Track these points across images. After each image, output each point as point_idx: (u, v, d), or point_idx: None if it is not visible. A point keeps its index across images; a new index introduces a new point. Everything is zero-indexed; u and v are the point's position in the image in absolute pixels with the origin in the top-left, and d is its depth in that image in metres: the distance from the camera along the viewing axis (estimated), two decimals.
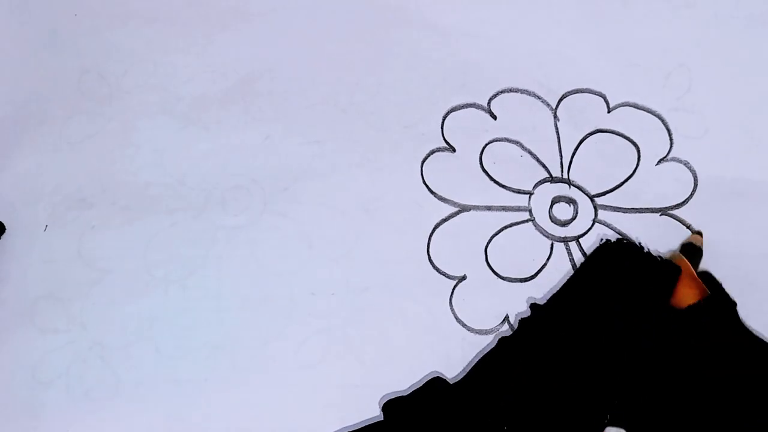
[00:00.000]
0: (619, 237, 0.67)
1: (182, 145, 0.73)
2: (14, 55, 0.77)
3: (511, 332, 0.66)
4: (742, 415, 0.54)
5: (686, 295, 0.59)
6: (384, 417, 0.61)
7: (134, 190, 0.72)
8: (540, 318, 0.62)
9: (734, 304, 0.60)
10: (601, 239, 0.67)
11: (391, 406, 0.61)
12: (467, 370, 0.62)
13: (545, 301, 0.65)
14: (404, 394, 0.63)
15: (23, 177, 0.73)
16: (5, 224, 0.71)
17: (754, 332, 0.60)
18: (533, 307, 0.64)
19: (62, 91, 0.75)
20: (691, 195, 0.70)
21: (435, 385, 0.61)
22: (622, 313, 0.59)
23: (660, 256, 0.64)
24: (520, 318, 0.64)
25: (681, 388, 0.55)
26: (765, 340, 0.60)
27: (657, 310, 0.59)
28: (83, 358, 0.68)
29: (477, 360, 0.62)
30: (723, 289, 0.61)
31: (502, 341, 0.62)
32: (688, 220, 0.69)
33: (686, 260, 0.63)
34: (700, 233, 0.67)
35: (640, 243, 0.65)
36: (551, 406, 0.56)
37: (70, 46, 0.77)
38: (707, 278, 0.62)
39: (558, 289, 0.65)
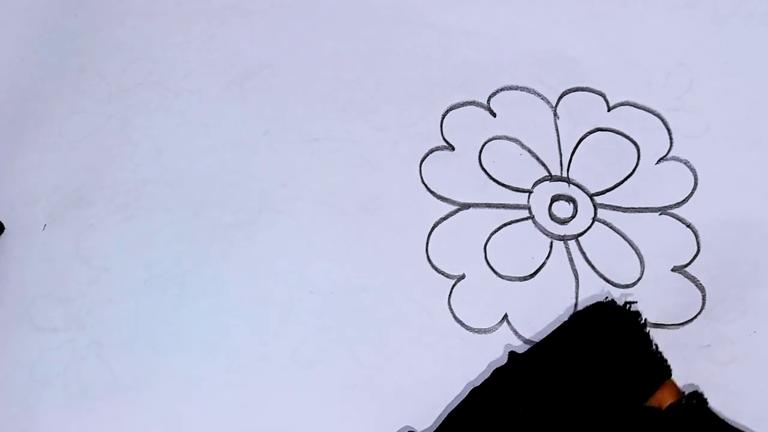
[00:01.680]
0: (627, 302, 0.64)
1: (181, 143, 0.73)
2: (13, 54, 0.77)
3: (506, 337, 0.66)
4: None
5: (666, 394, 0.59)
6: None
7: (132, 188, 0.72)
8: (516, 368, 0.61)
9: (706, 401, 0.60)
10: (606, 297, 0.65)
11: None
12: (437, 424, 0.60)
13: (525, 351, 0.63)
14: None
15: (22, 176, 0.73)
16: (4, 223, 0.71)
17: (730, 424, 0.60)
18: (511, 355, 0.63)
19: (61, 89, 0.75)
20: (691, 194, 0.70)
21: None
22: (602, 392, 0.57)
23: (656, 345, 0.61)
24: (495, 368, 0.62)
25: None
26: (740, 428, 0.60)
27: (637, 403, 0.58)
28: (81, 357, 0.67)
29: (447, 413, 0.60)
30: (703, 397, 0.60)
31: (473, 392, 0.61)
32: (688, 219, 0.70)
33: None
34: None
35: (644, 320, 0.62)
36: None
37: (69, 44, 0.77)
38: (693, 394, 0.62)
39: (541, 339, 0.63)
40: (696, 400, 0.59)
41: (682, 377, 0.65)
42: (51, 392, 0.66)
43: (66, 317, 0.68)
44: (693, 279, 0.68)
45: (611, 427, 0.57)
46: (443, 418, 0.60)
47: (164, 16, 0.77)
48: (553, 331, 0.63)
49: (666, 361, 0.60)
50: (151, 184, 0.72)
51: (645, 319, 0.63)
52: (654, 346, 0.61)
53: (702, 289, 0.67)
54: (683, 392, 0.60)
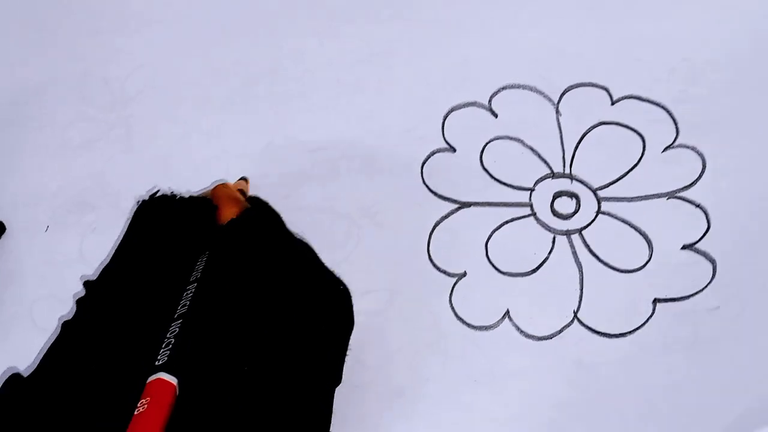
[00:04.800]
0: (153, 193, 0.64)
1: (184, 152, 0.74)
2: (14, 57, 0.79)
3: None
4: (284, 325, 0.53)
5: (228, 214, 0.60)
6: None
7: (137, 194, 0.72)
8: (97, 292, 0.59)
9: (275, 213, 0.61)
10: (138, 202, 0.64)
11: None
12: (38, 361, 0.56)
13: (97, 276, 0.61)
14: None
15: (24, 178, 0.74)
16: (5, 224, 0.72)
17: (297, 237, 0.61)
18: (86, 284, 0.60)
19: (64, 95, 0.77)
20: (700, 176, 0.68)
21: (12, 382, 0.55)
22: (173, 258, 0.58)
23: (190, 195, 0.63)
24: (77, 298, 0.60)
25: (231, 314, 0.53)
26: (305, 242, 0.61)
27: (203, 238, 0.59)
28: None
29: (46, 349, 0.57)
30: (264, 203, 0.62)
31: (65, 325, 0.58)
32: (698, 201, 0.67)
33: (225, 184, 0.65)
34: (245, 179, 0.71)
35: (172, 192, 0.63)
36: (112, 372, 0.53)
37: (70, 48, 0.79)
38: (253, 200, 0.63)
39: (110, 259, 0.62)
40: (253, 210, 0.60)
41: (689, 340, 0.63)
42: None
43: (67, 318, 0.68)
44: (704, 253, 0.65)
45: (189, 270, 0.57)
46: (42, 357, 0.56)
47: (165, 22, 0.78)
48: (115, 250, 0.62)
49: (201, 197, 0.63)
50: (155, 191, 0.73)
51: (172, 192, 0.63)
52: (189, 198, 0.62)
53: (713, 261, 0.65)
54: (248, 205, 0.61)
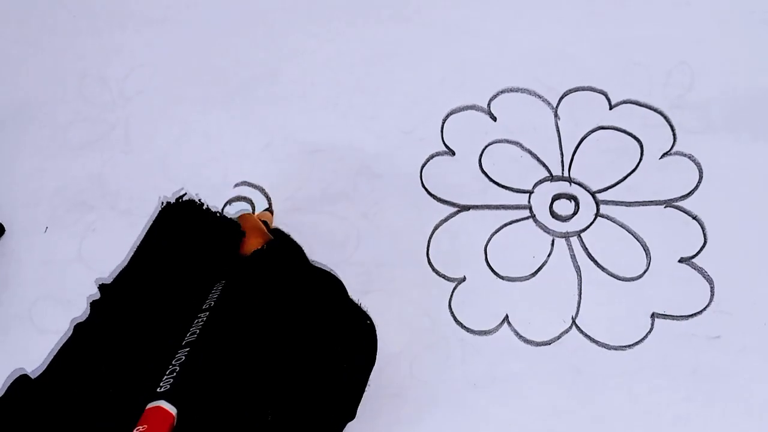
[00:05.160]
0: (180, 196, 0.63)
1: (183, 152, 0.74)
2: (14, 57, 0.78)
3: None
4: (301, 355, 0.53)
5: (252, 244, 0.60)
6: None
7: (135, 194, 0.72)
8: (111, 297, 0.58)
9: (299, 247, 0.61)
10: (162, 203, 0.63)
11: None
12: (47, 363, 0.56)
13: (114, 278, 0.60)
14: None
15: (23, 179, 0.74)
16: (5, 225, 0.71)
17: (321, 268, 0.61)
18: (101, 287, 0.59)
19: (63, 95, 0.76)
20: (696, 186, 0.68)
21: (19, 384, 0.55)
22: (191, 275, 0.58)
23: (219, 212, 0.62)
24: (90, 300, 0.59)
25: (244, 341, 0.53)
26: (330, 273, 0.61)
27: (223, 264, 0.58)
28: None
29: (56, 351, 0.56)
30: (288, 236, 0.62)
31: (78, 327, 0.57)
32: (694, 212, 0.68)
33: (250, 214, 0.66)
34: (270, 210, 0.72)
35: (200, 200, 0.62)
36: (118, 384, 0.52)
37: (70, 48, 0.78)
38: (276, 232, 0.63)
39: (127, 262, 0.61)
40: (278, 243, 0.60)
41: (691, 368, 0.63)
42: None
43: (67, 320, 0.68)
44: (700, 270, 0.66)
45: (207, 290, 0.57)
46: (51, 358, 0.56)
47: (164, 22, 0.78)
48: (134, 252, 0.61)
49: (232, 220, 0.62)
50: (154, 191, 0.73)
51: (200, 200, 0.62)
52: (217, 214, 0.61)
53: (710, 280, 0.65)
54: (271, 237, 0.62)
